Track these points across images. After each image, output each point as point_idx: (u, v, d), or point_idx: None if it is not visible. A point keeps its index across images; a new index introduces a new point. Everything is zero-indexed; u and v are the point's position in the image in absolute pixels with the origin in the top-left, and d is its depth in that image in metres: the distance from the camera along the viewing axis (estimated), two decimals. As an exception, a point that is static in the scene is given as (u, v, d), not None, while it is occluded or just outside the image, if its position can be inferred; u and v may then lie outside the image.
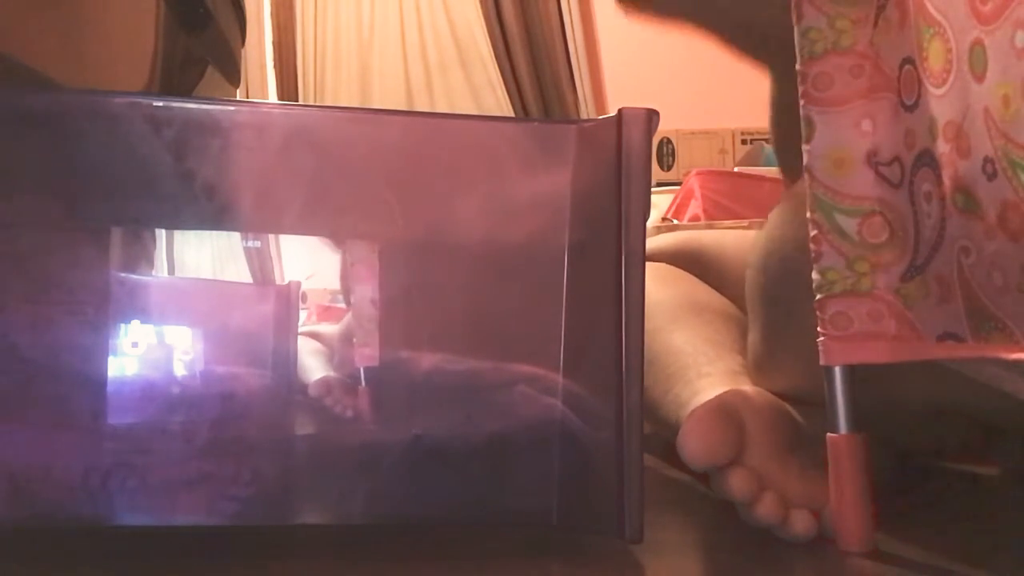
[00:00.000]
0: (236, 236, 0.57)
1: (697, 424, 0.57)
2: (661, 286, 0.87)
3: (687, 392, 0.72)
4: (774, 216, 0.69)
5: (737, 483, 0.57)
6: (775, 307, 0.64)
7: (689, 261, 0.93)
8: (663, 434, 0.79)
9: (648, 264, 0.92)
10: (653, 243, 0.99)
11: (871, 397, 0.57)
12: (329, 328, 0.58)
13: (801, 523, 0.57)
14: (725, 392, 0.63)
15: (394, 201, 0.58)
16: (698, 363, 0.75)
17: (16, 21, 0.59)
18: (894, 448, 0.74)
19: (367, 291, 0.58)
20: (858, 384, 0.57)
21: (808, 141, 0.57)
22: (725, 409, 0.58)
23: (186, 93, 0.80)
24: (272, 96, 3.44)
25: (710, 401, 0.60)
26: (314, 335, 0.57)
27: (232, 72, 0.89)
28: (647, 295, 0.85)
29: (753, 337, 0.73)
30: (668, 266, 0.92)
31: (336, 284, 0.58)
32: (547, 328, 0.58)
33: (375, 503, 0.57)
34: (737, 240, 0.92)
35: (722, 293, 0.88)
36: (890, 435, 0.71)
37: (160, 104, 0.55)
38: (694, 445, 0.57)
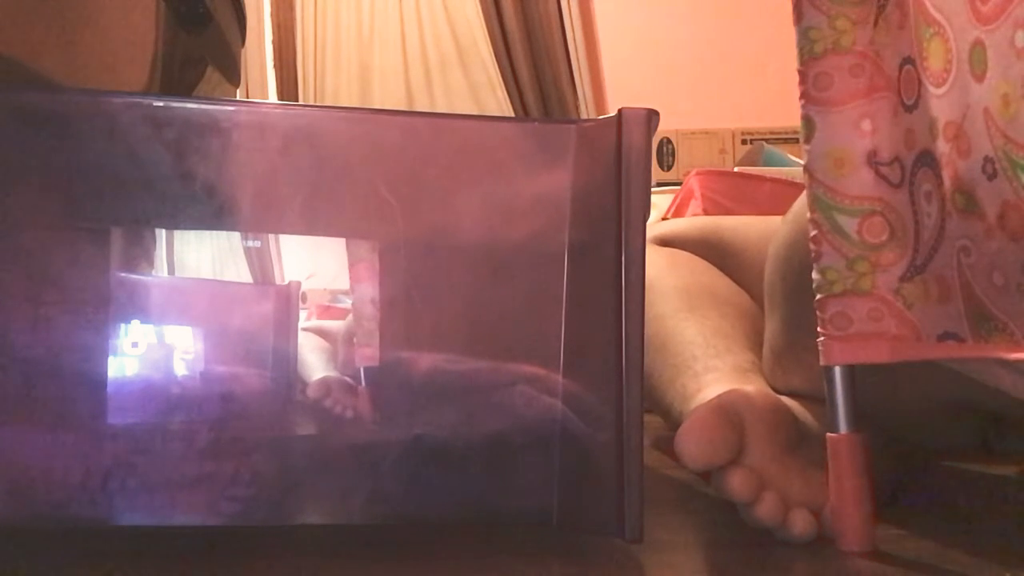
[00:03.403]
0: (236, 236, 0.57)
1: (696, 425, 0.57)
2: (680, 272, 0.86)
3: (692, 384, 0.72)
4: (800, 205, 0.68)
5: (738, 483, 0.57)
6: (799, 297, 0.63)
7: (710, 249, 0.92)
8: (663, 419, 0.79)
9: (669, 250, 0.92)
10: (675, 227, 0.98)
11: (886, 394, 0.56)
12: (334, 324, 0.57)
13: (801, 523, 0.57)
14: (726, 392, 0.63)
15: (394, 201, 0.58)
16: (707, 355, 0.74)
17: (16, 21, 0.59)
18: (911, 447, 0.74)
19: (367, 291, 0.58)
20: (871, 382, 0.57)
21: (808, 141, 0.57)
22: (725, 409, 0.58)
23: (186, 93, 0.80)
24: (272, 96, 3.44)
25: (710, 401, 0.60)
26: (319, 330, 0.57)
27: (232, 72, 0.89)
28: (665, 279, 0.85)
29: (772, 328, 0.72)
30: (689, 254, 0.92)
31: (336, 284, 0.58)
32: (547, 328, 0.58)
33: (375, 503, 0.57)
34: (759, 230, 0.91)
35: (741, 283, 0.88)
36: (906, 434, 0.71)
37: (160, 104, 0.55)
38: (692, 446, 0.57)
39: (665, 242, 0.94)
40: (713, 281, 0.87)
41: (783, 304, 0.69)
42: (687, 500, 0.73)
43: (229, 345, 0.57)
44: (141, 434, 0.54)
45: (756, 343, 0.77)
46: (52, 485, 0.53)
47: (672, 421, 0.76)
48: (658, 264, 0.88)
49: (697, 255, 0.92)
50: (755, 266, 0.85)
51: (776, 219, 0.77)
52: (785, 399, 0.67)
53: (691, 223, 1.01)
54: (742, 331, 0.78)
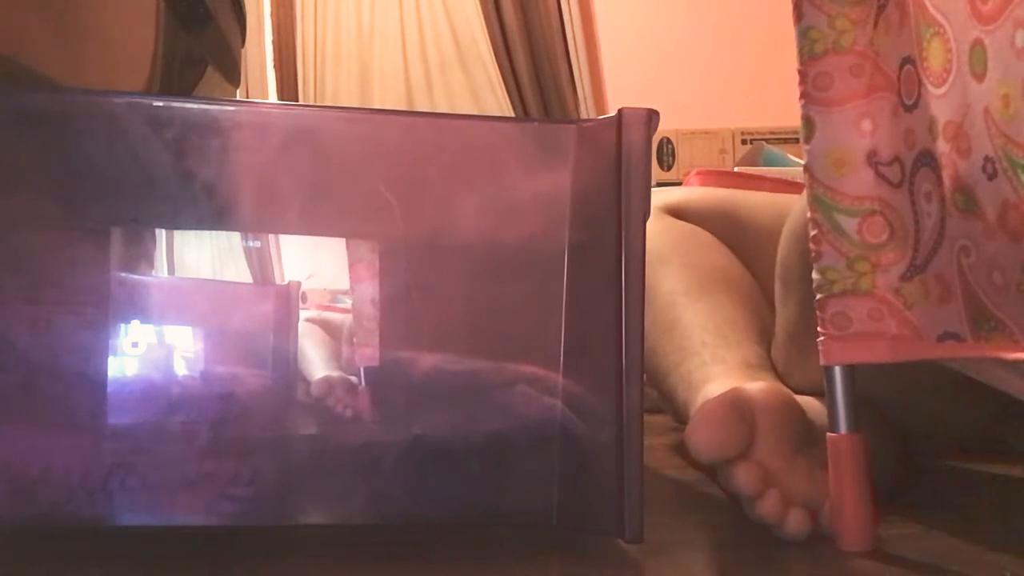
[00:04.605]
0: (236, 236, 0.57)
1: (707, 418, 0.57)
2: (698, 252, 0.84)
3: (699, 373, 0.71)
4: None
5: (744, 477, 0.57)
6: None
7: (724, 225, 0.89)
8: (661, 400, 0.79)
9: (685, 225, 0.89)
10: (688, 195, 0.93)
11: (897, 385, 0.55)
12: (338, 316, 0.57)
13: (795, 523, 0.57)
14: (736, 387, 0.63)
15: (394, 201, 0.58)
16: (716, 344, 0.74)
17: (16, 21, 0.59)
18: (912, 447, 0.74)
19: (367, 291, 0.58)
20: (882, 374, 0.57)
21: (808, 141, 0.57)
22: (736, 404, 0.58)
23: (186, 93, 0.80)
24: (272, 96, 3.43)
25: (721, 395, 0.60)
26: (323, 323, 0.57)
27: (232, 72, 0.89)
28: (681, 256, 0.83)
29: (789, 311, 0.71)
30: (706, 233, 0.89)
31: (336, 284, 0.58)
32: (547, 328, 0.58)
33: (375, 503, 0.57)
34: (777, 211, 0.86)
35: (751, 264, 0.85)
36: (914, 426, 0.71)
37: (160, 104, 0.55)
38: (703, 439, 0.57)
39: (677, 210, 0.90)
40: (726, 265, 0.85)
41: (800, 283, 0.68)
42: (687, 500, 0.73)
43: (229, 345, 0.57)
44: (141, 434, 0.54)
45: (764, 337, 0.77)
46: (52, 485, 0.53)
47: (674, 406, 0.75)
48: (673, 238, 0.85)
49: (709, 229, 0.89)
50: (768, 245, 0.83)
51: (793, 198, 0.76)
52: (797, 397, 0.66)
53: (706, 194, 0.96)
54: (752, 322, 0.77)
